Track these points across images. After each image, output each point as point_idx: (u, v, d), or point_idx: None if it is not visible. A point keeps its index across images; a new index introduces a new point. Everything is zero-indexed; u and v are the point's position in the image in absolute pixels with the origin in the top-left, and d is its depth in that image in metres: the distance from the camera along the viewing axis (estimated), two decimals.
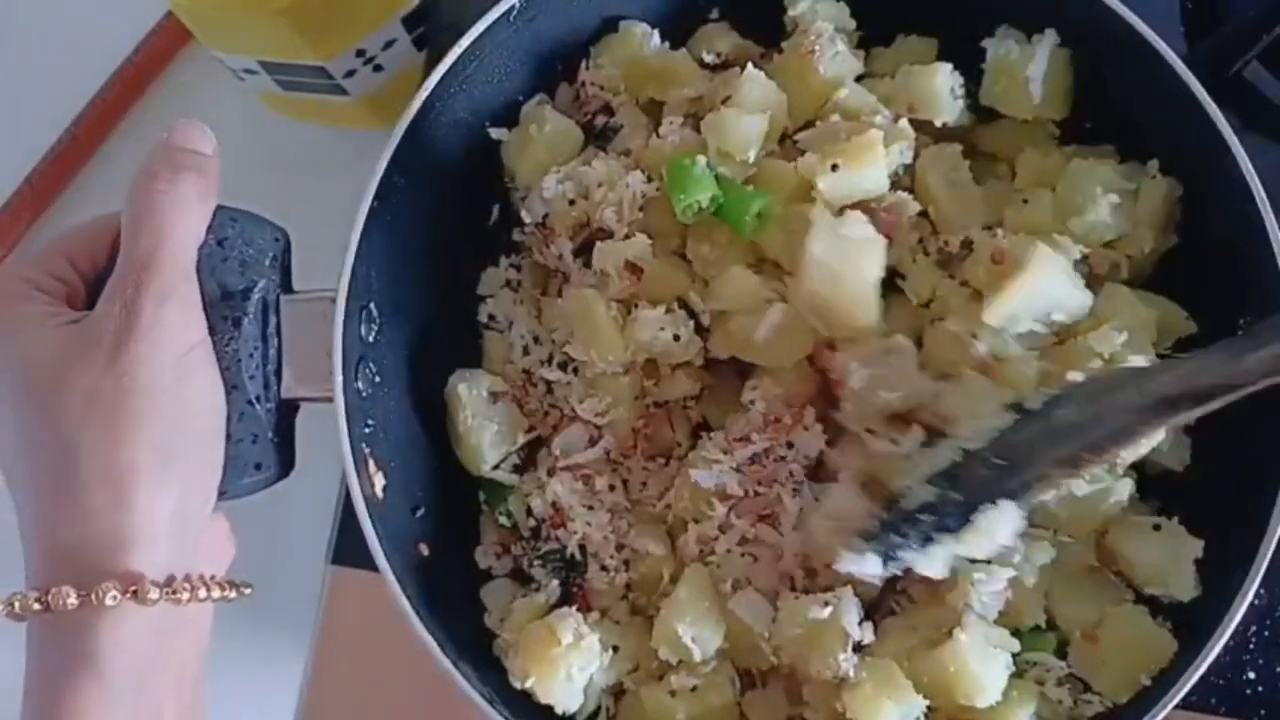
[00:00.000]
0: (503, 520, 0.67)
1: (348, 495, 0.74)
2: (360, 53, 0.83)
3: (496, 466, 0.66)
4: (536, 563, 0.65)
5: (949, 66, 0.64)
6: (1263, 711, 0.70)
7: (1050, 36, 0.63)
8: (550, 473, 0.65)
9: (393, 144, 0.61)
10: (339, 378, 0.57)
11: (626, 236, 0.63)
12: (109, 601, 0.50)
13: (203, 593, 0.54)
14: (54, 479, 0.53)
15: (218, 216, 0.57)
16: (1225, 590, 0.55)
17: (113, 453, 0.52)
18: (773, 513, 0.61)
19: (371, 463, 0.60)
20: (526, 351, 0.67)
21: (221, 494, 0.56)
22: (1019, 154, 0.66)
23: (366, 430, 0.60)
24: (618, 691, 0.63)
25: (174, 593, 0.53)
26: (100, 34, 0.93)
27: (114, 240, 0.57)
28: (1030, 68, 0.63)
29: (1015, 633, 0.59)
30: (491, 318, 0.69)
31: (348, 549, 0.75)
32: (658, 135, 0.65)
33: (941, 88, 0.64)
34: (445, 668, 0.56)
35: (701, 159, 0.61)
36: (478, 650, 0.62)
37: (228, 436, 0.56)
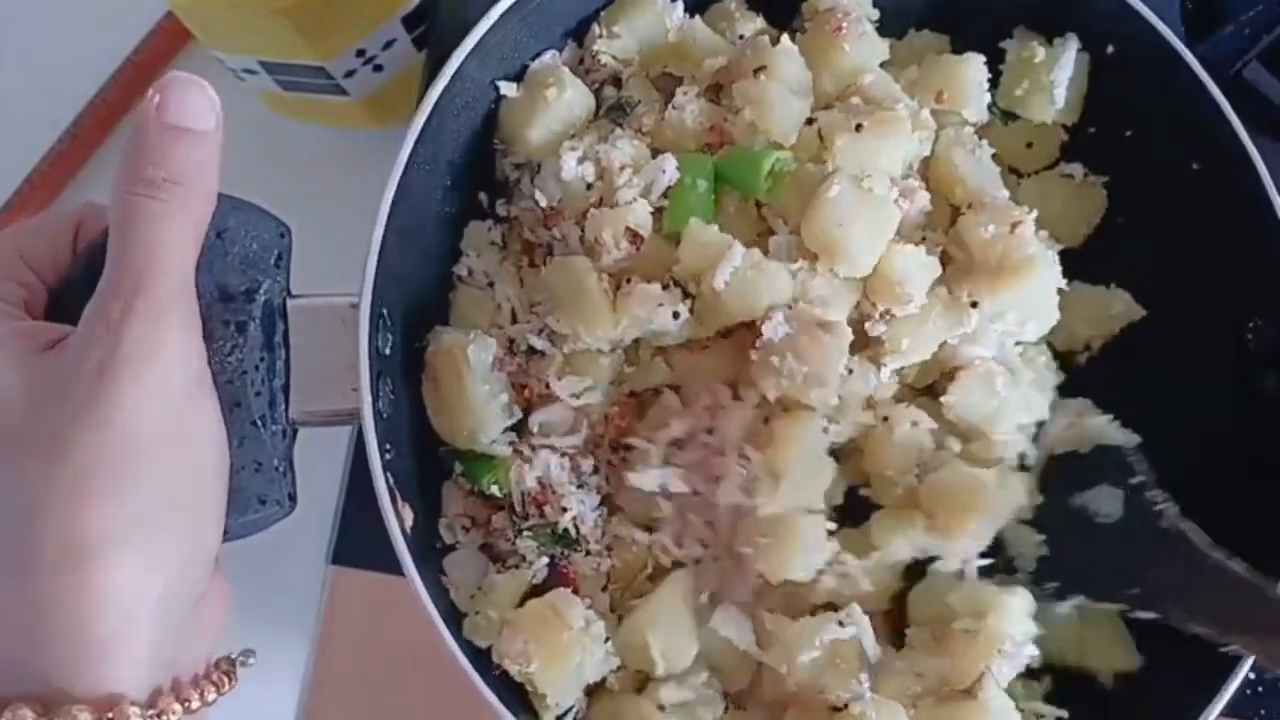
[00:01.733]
0: (494, 490, 0.59)
1: (348, 495, 0.75)
2: (360, 53, 0.83)
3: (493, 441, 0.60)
4: (526, 533, 0.58)
5: (980, 58, 0.63)
6: (1263, 711, 0.70)
7: (1073, 40, 0.63)
8: (533, 448, 0.59)
9: (415, 129, 0.56)
10: (368, 397, 0.50)
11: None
12: None
13: (195, 702, 0.45)
14: (9, 555, 0.42)
15: (218, 205, 0.49)
16: None
17: (83, 523, 0.41)
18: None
19: (399, 495, 0.54)
20: (515, 318, 0.62)
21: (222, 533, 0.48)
22: (1024, 157, 0.65)
23: (387, 457, 0.53)
24: (590, 691, 0.59)
25: (160, 714, 0.43)
26: (100, 34, 0.93)
27: (76, 235, 0.50)
28: (1055, 72, 0.63)
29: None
30: (470, 272, 0.63)
31: (348, 549, 0.75)
32: (672, 108, 0.61)
33: (972, 80, 0.62)
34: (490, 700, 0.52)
35: (703, 182, 0.58)
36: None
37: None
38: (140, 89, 0.94)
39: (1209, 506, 0.59)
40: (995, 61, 0.65)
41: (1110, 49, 0.63)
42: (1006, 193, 0.62)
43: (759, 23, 0.66)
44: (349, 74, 0.84)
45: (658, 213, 0.59)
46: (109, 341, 0.43)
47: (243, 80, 0.86)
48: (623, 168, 0.59)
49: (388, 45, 0.84)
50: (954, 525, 0.57)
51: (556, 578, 0.59)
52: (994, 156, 0.64)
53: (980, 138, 0.64)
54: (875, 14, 0.66)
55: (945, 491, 0.57)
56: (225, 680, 0.48)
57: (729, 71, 0.62)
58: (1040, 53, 0.63)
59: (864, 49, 0.62)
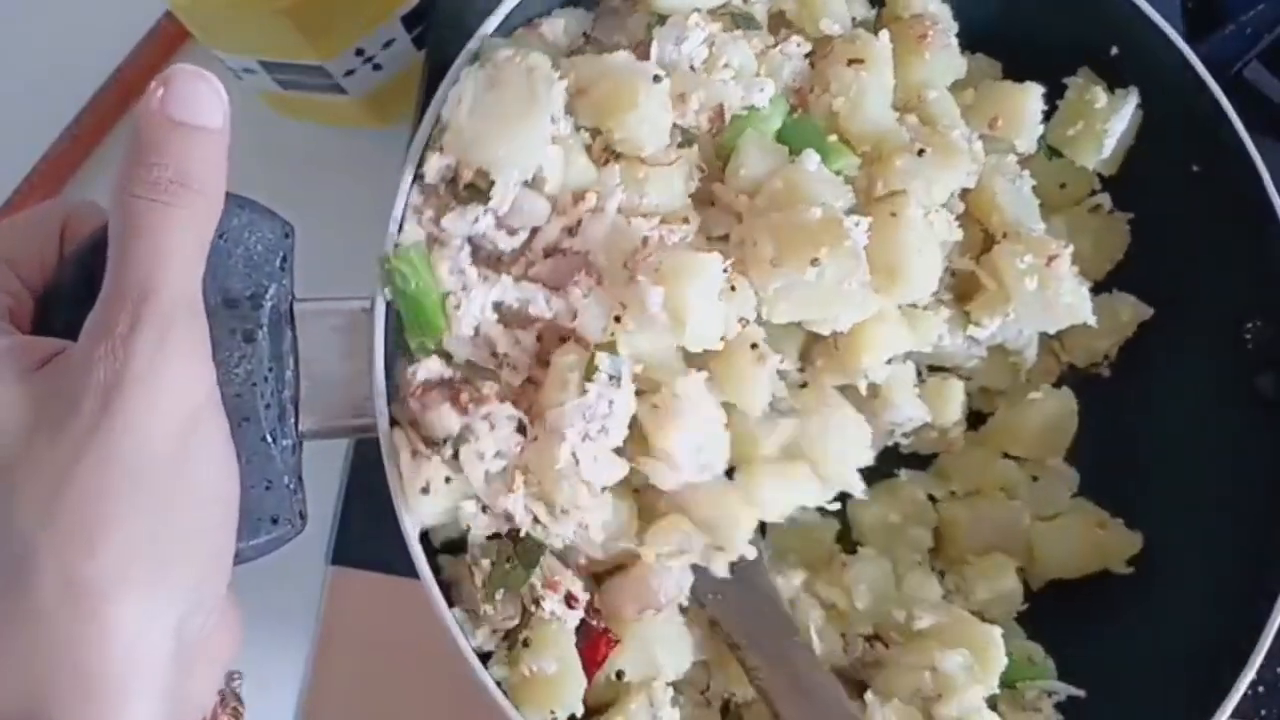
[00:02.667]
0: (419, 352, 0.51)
1: (348, 496, 0.75)
2: (360, 52, 0.83)
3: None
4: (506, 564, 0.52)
5: (1040, 89, 0.62)
6: (1263, 712, 0.70)
7: (1134, 95, 0.63)
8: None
9: (427, 126, 0.53)
10: (382, 406, 0.48)
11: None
12: None
13: None
14: (5, 598, 0.38)
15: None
16: None
17: (85, 562, 0.38)
18: None
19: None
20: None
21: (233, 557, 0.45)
22: (1055, 195, 0.65)
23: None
24: None
25: None
26: (98, 34, 0.93)
27: (63, 235, 0.47)
28: (1111, 121, 0.62)
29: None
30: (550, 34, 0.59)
31: (348, 549, 0.75)
32: (780, 51, 0.60)
33: (1032, 109, 0.62)
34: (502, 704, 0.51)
35: (776, 121, 0.57)
36: None
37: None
38: (139, 88, 0.93)
39: (1209, 508, 0.60)
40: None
41: (1115, 50, 0.63)
42: (1043, 225, 0.62)
43: (871, 14, 0.65)
44: (349, 73, 0.84)
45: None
46: (115, 360, 0.40)
47: (241, 79, 0.86)
48: (726, 65, 0.57)
49: (387, 44, 0.84)
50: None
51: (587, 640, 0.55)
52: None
53: (1021, 168, 0.63)
54: (955, 26, 0.64)
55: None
56: (231, 712, 0.46)
57: (827, 48, 0.60)
58: (1102, 99, 0.63)
59: (943, 61, 0.62)
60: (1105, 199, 0.66)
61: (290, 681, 0.77)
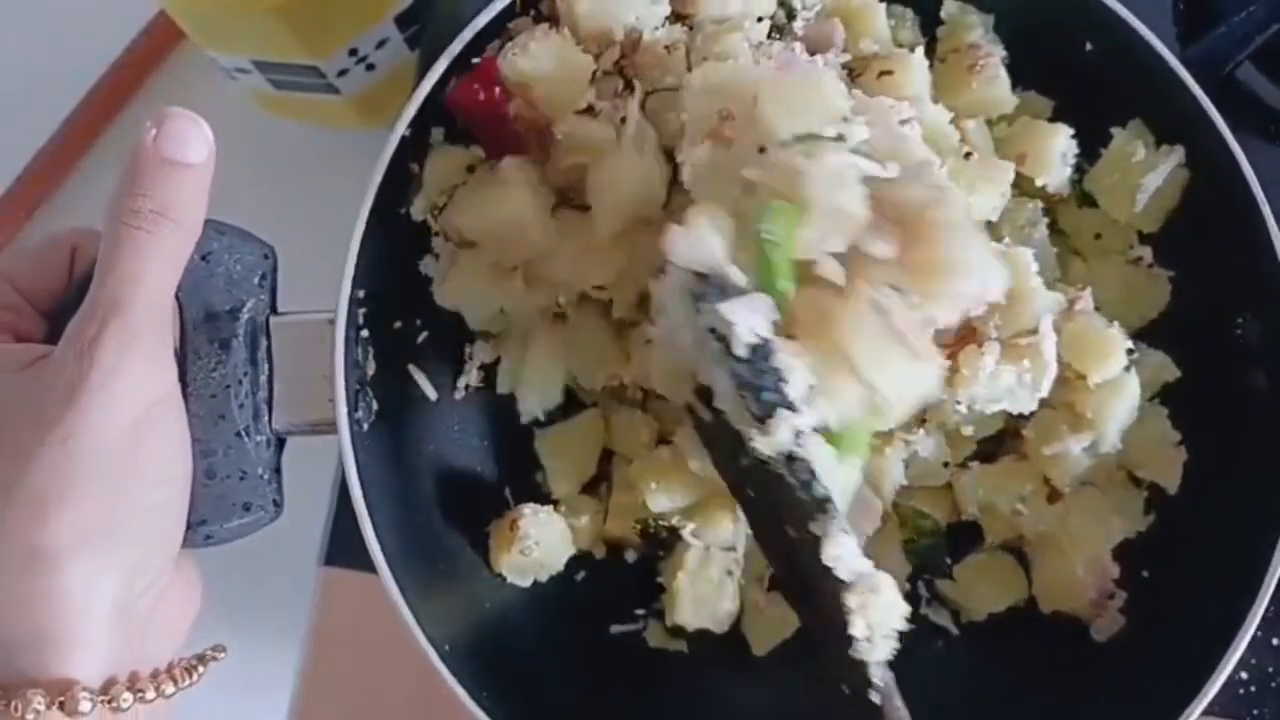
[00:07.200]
0: None
1: (340, 497, 0.75)
2: (353, 52, 0.83)
3: None
4: None
5: (1069, 131, 0.62)
6: (1254, 711, 0.70)
7: (1177, 153, 0.62)
8: None
9: (391, 146, 0.57)
10: (343, 408, 0.53)
11: None
12: (30, 715, 0.43)
13: (150, 693, 0.48)
14: None
15: (205, 229, 0.52)
16: None
17: (43, 530, 0.45)
18: None
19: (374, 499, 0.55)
20: None
21: (207, 539, 0.52)
22: (1090, 246, 0.65)
23: (362, 459, 0.55)
24: None
25: (111, 700, 0.46)
26: (91, 34, 0.93)
27: (72, 259, 0.53)
28: (1149, 177, 0.62)
29: None
30: None
31: (339, 550, 0.75)
32: (820, 56, 0.60)
33: (1056, 149, 0.62)
34: (463, 700, 0.54)
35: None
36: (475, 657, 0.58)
37: (212, 474, 0.52)
38: (133, 87, 0.94)
39: (1202, 509, 0.60)
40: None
41: (1089, 46, 0.63)
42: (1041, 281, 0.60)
43: (920, 41, 0.65)
44: (342, 73, 0.84)
45: None
46: (80, 363, 0.46)
47: (234, 79, 0.86)
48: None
49: (381, 44, 0.84)
50: None
51: None
52: (1061, 236, 0.64)
53: (1047, 213, 0.63)
54: (1006, 57, 0.64)
55: None
56: (186, 675, 0.50)
57: (865, 65, 0.61)
58: (1140, 152, 0.62)
59: (990, 93, 0.62)
60: (1146, 253, 0.64)
61: (282, 682, 0.77)
